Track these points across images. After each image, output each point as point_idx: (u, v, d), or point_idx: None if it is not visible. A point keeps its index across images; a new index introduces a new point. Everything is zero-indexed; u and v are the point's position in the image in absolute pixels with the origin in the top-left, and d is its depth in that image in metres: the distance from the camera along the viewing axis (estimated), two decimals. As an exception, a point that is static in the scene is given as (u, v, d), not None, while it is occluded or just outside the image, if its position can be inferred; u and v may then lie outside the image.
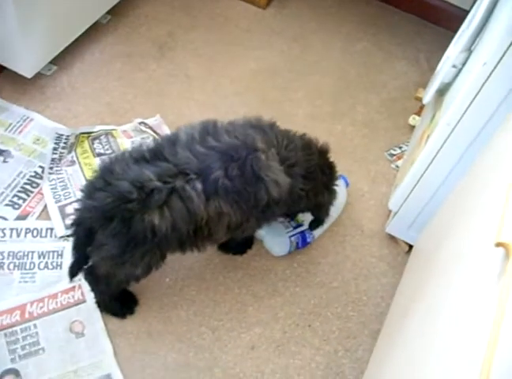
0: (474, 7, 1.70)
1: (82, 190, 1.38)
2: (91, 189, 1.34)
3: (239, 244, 1.76)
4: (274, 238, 1.78)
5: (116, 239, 1.31)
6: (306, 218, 1.78)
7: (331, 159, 1.69)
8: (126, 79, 2.20)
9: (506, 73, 1.32)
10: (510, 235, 0.83)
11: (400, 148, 2.15)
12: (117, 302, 1.61)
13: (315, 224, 1.75)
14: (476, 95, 1.39)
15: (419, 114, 2.18)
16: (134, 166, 1.32)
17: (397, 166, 2.08)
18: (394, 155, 2.12)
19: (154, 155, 1.34)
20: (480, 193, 1.21)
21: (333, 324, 1.70)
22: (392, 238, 1.89)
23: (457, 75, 1.59)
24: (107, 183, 1.30)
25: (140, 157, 1.34)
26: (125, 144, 1.92)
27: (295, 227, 1.79)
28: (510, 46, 1.27)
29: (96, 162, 1.85)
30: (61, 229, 1.71)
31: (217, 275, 1.74)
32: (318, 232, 1.83)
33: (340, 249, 1.86)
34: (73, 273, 1.49)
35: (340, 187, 1.85)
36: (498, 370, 0.69)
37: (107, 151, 1.89)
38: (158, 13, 2.48)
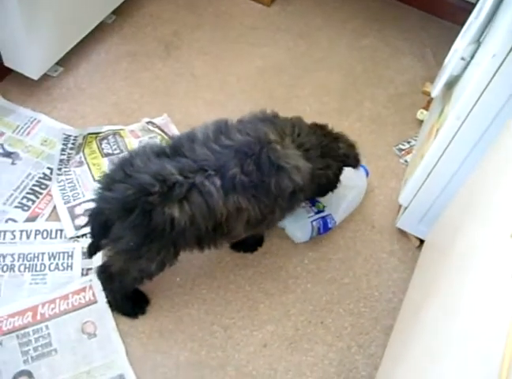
0: (481, -1, 1.68)
1: (100, 181, 1.39)
2: (109, 181, 1.35)
3: (250, 242, 1.76)
4: (296, 224, 1.79)
5: (135, 232, 1.32)
6: (328, 203, 1.80)
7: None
8: (133, 79, 2.20)
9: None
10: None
11: (409, 142, 2.13)
12: (129, 302, 1.61)
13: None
14: (485, 88, 1.38)
15: (426, 108, 2.17)
16: (156, 160, 1.34)
17: (406, 161, 2.07)
18: (403, 150, 2.11)
19: (174, 150, 1.36)
20: (493, 184, 1.20)
21: (346, 320, 1.69)
22: (402, 232, 1.88)
23: (465, 67, 1.58)
24: (127, 175, 1.31)
25: (161, 152, 1.37)
26: (132, 143, 1.91)
27: (316, 213, 1.79)
28: (519, 36, 1.27)
29: (104, 162, 1.85)
30: (70, 230, 1.71)
31: (228, 274, 1.74)
32: (339, 218, 1.84)
33: (350, 245, 1.85)
34: (91, 252, 1.52)
35: (360, 175, 1.90)
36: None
37: (115, 152, 1.89)
38: (163, 12, 2.47)
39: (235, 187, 1.34)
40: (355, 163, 1.73)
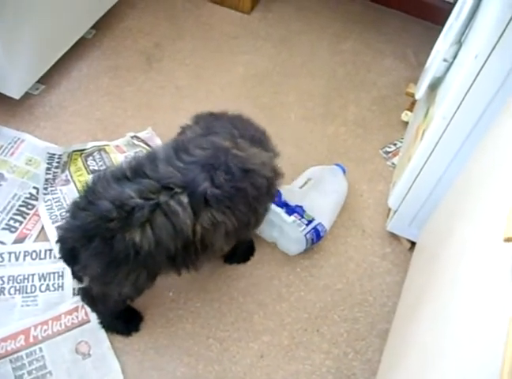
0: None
1: (67, 210, 1.36)
2: (74, 209, 1.32)
3: (241, 253, 1.75)
4: (290, 239, 1.77)
5: (98, 259, 1.29)
6: (315, 214, 1.78)
7: None
8: (115, 93, 2.19)
9: (498, 64, 1.31)
10: (519, 229, 0.82)
11: (395, 144, 2.14)
12: (120, 321, 1.60)
13: None
14: (469, 88, 1.39)
15: (411, 109, 2.17)
16: (115, 184, 1.29)
17: (393, 164, 2.07)
18: (389, 152, 2.11)
19: (135, 172, 1.32)
20: (482, 186, 1.20)
21: (341, 326, 1.69)
22: (393, 235, 1.88)
23: (448, 69, 1.58)
24: (90, 202, 1.28)
25: (121, 175, 1.32)
26: (118, 159, 1.90)
27: (307, 224, 1.77)
28: (500, 37, 1.27)
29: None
30: (60, 249, 1.69)
31: (221, 286, 1.72)
32: (328, 223, 1.82)
33: (342, 251, 1.85)
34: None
35: (339, 176, 1.90)
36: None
37: (102, 168, 1.87)
38: (143, 24, 2.46)
39: (208, 202, 1.31)
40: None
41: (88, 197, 1.29)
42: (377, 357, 1.63)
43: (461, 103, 1.42)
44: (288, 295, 1.73)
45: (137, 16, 2.50)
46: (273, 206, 1.74)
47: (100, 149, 1.93)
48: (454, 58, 1.54)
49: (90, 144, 1.94)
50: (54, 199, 1.79)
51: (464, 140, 1.50)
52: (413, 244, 1.83)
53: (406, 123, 2.17)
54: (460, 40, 1.51)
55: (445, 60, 1.54)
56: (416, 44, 2.55)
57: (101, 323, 1.59)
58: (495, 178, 1.11)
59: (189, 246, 1.33)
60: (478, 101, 1.40)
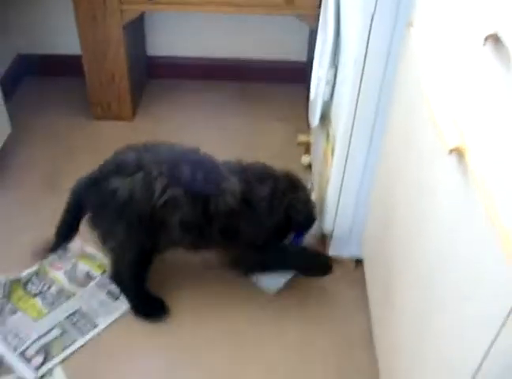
0: (319, 27, 1.89)
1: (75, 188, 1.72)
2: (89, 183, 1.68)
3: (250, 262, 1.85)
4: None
5: (92, 204, 1.68)
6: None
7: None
8: (31, 222, 2.15)
9: (374, 65, 1.50)
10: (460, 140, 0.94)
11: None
12: (148, 306, 1.79)
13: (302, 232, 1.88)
14: (357, 96, 1.55)
15: (308, 153, 2.33)
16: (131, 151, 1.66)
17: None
18: (305, 194, 2.23)
19: (146, 148, 1.66)
20: (399, 171, 1.33)
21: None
22: (338, 259, 1.94)
23: (332, 91, 1.75)
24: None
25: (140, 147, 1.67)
26: (58, 276, 1.89)
27: None
28: (368, 39, 1.46)
29: (37, 301, 1.81)
30: (30, 374, 1.63)
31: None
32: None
33: (294, 292, 1.89)
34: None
35: None
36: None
37: (45, 289, 1.85)
38: (36, 157, 2.47)
39: (180, 182, 1.58)
40: (303, 218, 1.83)
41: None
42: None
43: (355, 113, 1.58)
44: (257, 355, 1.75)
45: (27, 150, 2.51)
46: None
47: (36, 273, 1.91)
48: (335, 79, 1.72)
49: (25, 272, 1.91)
50: (7, 330, 1.73)
51: (369, 144, 1.65)
52: (358, 262, 1.92)
53: (308, 166, 2.32)
54: (334, 62, 1.70)
55: (327, 82, 1.71)
56: (287, 103, 2.76)
57: (133, 307, 1.78)
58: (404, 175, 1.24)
59: (153, 215, 1.59)
60: (368, 104, 1.57)
